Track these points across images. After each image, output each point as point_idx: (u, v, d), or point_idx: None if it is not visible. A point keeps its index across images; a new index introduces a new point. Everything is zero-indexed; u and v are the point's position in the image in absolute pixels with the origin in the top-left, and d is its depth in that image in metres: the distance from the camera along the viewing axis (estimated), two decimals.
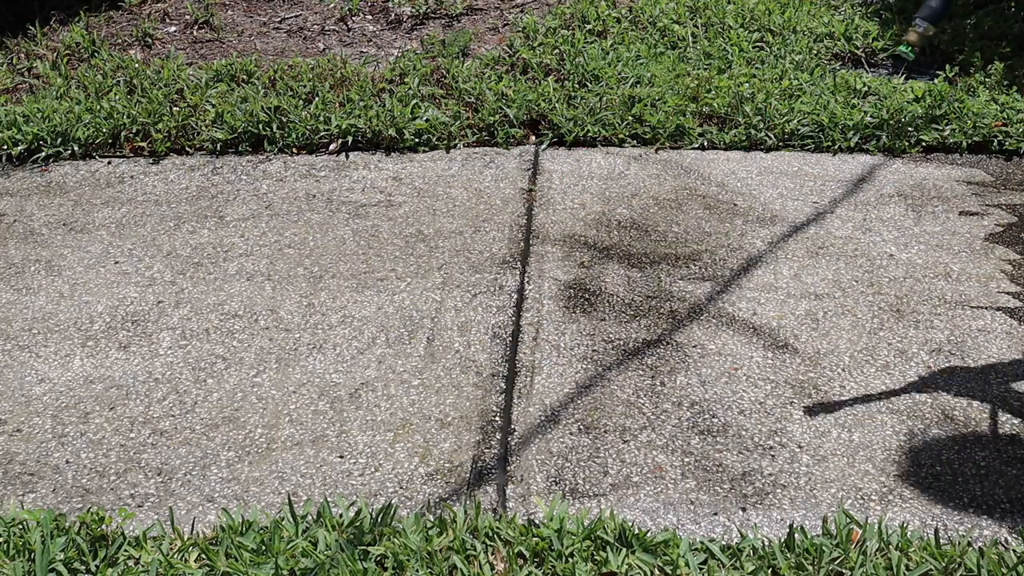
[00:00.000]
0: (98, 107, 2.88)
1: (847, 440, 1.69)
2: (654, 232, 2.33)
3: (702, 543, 1.45)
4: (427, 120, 2.78)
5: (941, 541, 1.44)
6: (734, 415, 1.75)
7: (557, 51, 3.19)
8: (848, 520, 1.48)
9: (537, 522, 1.51)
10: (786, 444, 1.69)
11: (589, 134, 2.75)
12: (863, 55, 3.26)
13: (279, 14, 3.73)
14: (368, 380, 1.87)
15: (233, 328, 2.03)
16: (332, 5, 3.75)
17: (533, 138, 2.79)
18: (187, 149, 2.78)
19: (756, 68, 3.06)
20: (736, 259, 2.21)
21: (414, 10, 3.66)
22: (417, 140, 2.77)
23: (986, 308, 2.03)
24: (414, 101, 2.86)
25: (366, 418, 1.78)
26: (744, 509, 1.56)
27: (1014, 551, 1.42)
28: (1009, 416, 1.74)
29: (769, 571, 1.39)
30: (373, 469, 1.66)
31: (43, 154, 2.76)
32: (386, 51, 3.44)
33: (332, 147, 2.77)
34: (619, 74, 3.01)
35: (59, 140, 2.78)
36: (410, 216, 2.43)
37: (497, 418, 1.77)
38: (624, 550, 1.42)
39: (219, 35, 3.55)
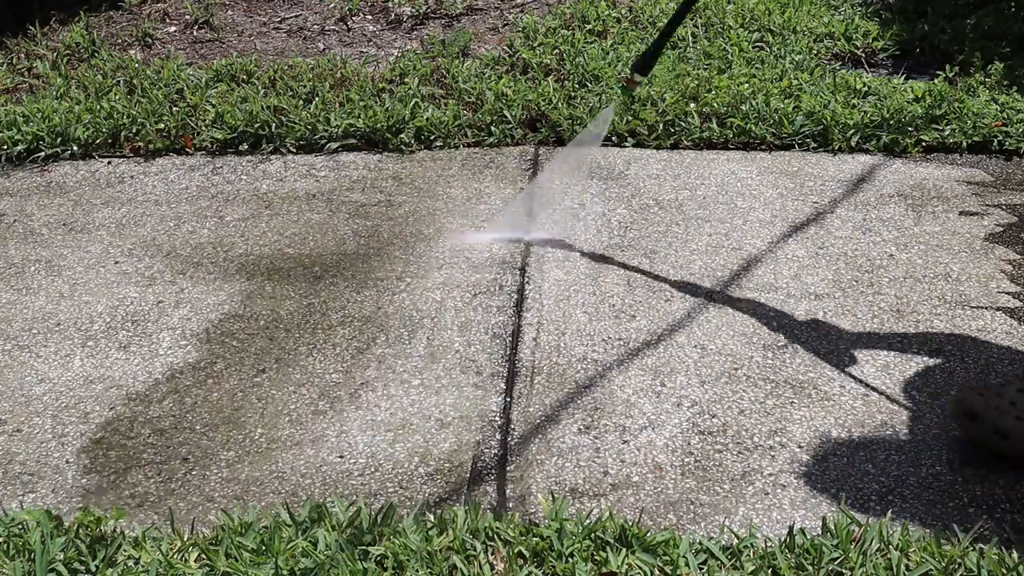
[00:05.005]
0: (98, 107, 2.88)
1: (847, 440, 1.69)
2: (655, 232, 2.33)
3: (702, 543, 1.45)
4: (427, 120, 2.78)
5: (941, 541, 1.44)
6: (734, 415, 1.75)
7: (557, 51, 3.19)
8: (848, 520, 1.48)
9: (537, 522, 1.51)
10: (786, 444, 1.69)
11: None
12: (863, 55, 3.26)
13: (279, 14, 3.73)
14: (368, 380, 1.87)
15: (233, 328, 2.04)
16: (332, 5, 3.75)
17: (533, 138, 2.79)
18: (187, 149, 2.79)
19: (756, 68, 3.06)
20: (737, 259, 2.21)
21: (414, 10, 3.66)
22: (417, 140, 2.78)
23: (986, 308, 2.03)
24: (414, 101, 2.86)
25: (366, 418, 1.78)
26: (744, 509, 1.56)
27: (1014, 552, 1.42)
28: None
29: (769, 571, 1.39)
30: (373, 469, 1.66)
31: (43, 154, 2.76)
32: (386, 51, 3.44)
33: (332, 147, 2.77)
34: (619, 74, 3.01)
35: (59, 140, 2.78)
36: (410, 216, 2.43)
37: (497, 418, 1.77)
38: (624, 550, 1.42)
39: (219, 35, 3.55)
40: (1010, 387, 1.63)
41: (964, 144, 2.65)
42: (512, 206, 2.42)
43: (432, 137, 2.78)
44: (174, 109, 2.89)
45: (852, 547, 1.42)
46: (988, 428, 1.60)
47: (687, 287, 2.12)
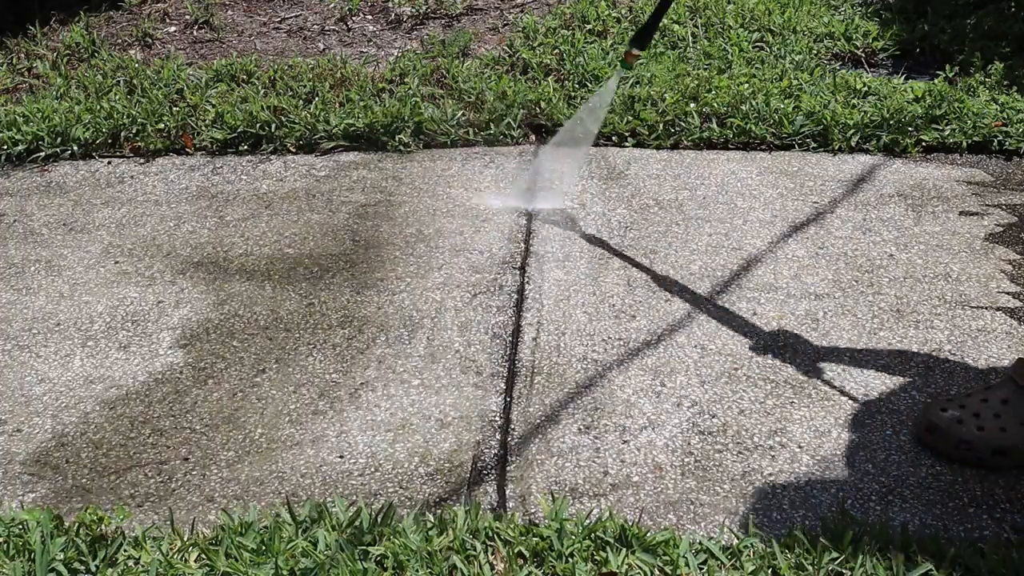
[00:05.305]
0: (98, 107, 2.88)
1: (847, 440, 1.69)
2: (655, 232, 2.33)
3: (702, 543, 1.45)
4: (427, 120, 2.78)
5: (941, 541, 1.44)
6: (734, 415, 1.75)
7: (557, 51, 3.19)
8: (848, 520, 1.48)
9: (537, 522, 1.51)
10: (786, 444, 1.69)
11: None
12: (863, 55, 3.26)
13: (279, 14, 3.73)
14: (368, 380, 1.87)
15: (233, 328, 2.04)
16: (332, 5, 3.75)
17: (533, 138, 2.79)
18: (187, 149, 2.79)
19: (756, 68, 3.06)
20: (737, 259, 2.21)
21: (414, 10, 3.66)
22: (417, 140, 2.78)
23: (986, 308, 2.03)
24: (414, 101, 2.86)
25: (366, 418, 1.78)
26: (744, 509, 1.56)
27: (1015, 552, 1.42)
28: None
29: (769, 571, 1.39)
30: (373, 469, 1.66)
31: (43, 154, 2.76)
32: (386, 51, 3.44)
33: (332, 147, 2.77)
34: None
35: (59, 140, 2.78)
36: (410, 216, 2.43)
37: (497, 418, 1.77)
38: (624, 550, 1.42)
39: (219, 35, 3.55)
40: (974, 398, 1.64)
41: (964, 144, 2.65)
42: (518, 180, 2.56)
43: (432, 137, 2.78)
44: (174, 109, 2.89)
45: (852, 547, 1.42)
46: (951, 442, 1.61)
47: (687, 287, 2.12)
